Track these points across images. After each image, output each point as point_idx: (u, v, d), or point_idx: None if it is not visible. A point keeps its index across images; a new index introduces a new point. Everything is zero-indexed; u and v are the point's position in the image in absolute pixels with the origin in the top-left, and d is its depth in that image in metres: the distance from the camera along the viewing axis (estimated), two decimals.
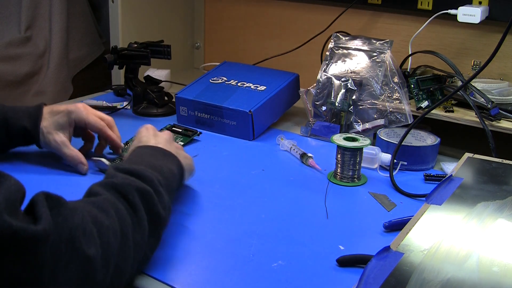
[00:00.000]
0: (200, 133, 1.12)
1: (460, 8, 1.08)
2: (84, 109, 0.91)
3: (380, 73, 1.09)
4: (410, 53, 1.12)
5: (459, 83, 1.03)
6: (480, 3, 1.10)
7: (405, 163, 0.96)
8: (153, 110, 1.22)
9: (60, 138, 0.89)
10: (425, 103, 1.04)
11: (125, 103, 1.26)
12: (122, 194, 0.63)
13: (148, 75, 1.30)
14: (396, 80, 1.07)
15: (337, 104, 1.10)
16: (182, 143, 1.04)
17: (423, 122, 1.00)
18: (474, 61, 1.07)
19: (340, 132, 1.08)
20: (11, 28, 1.60)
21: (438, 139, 0.99)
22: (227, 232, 0.76)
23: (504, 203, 0.70)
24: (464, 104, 1.03)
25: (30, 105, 0.91)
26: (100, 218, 0.58)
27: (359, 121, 1.08)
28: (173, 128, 1.10)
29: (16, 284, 0.48)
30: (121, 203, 0.62)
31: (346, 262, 0.69)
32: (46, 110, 0.90)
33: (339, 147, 0.92)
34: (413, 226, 0.66)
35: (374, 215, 0.82)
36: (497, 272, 0.56)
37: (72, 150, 0.91)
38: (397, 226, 0.76)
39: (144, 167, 0.68)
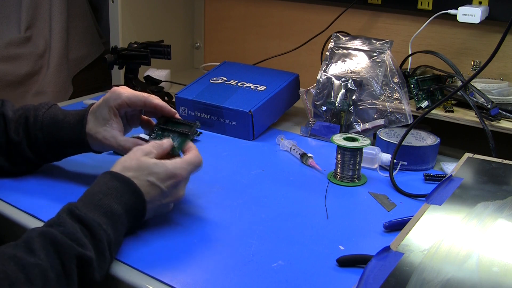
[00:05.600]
0: (200, 133, 1.12)
1: (460, 8, 1.08)
2: (120, 89, 0.83)
3: (380, 73, 1.09)
4: (410, 53, 1.12)
5: (459, 83, 1.03)
6: (480, 3, 1.10)
7: (405, 163, 0.96)
8: None
9: (109, 133, 0.81)
10: (425, 103, 1.04)
11: None
12: (60, 257, 0.58)
13: (148, 75, 1.30)
14: (396, 80, 1.07)
15: (337, 104, 1.10)
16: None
17: (423, 122, 1.00)
18: (474, 61, 1.07)
19: (340, 132, 1.08)
20: (11, 28, 1.60)
21: (438, 139, 0.99)
22: (227, 232, 0.76)
23: (504, 203, 0.70)
24: (464, 104, 1.03)
25: (76, 112, 0.84)
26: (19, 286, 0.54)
27: (359, 121, 1.08)
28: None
29: None
30: (54, 270, 0.57)
31: (346, 262, 0.69)
32: (90, 112, 0.83)
33: (339, 147, 0.92)
34: (413, 226, 0.66)
35: (374, 215, 0.82)
36: (497, 272, 0.56)
37: (126, 138, 0.82)
38: (397, 226, 0.76)
39: (99, 218, 0.65)
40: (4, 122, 0.85)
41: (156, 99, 0.83)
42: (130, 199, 0.70)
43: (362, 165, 0.94)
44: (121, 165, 0.73)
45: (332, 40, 1.18)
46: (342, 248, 0.73)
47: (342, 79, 1.11)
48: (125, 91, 0.82)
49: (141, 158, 0.73)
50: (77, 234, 0.61)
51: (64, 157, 0.89)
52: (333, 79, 1.12)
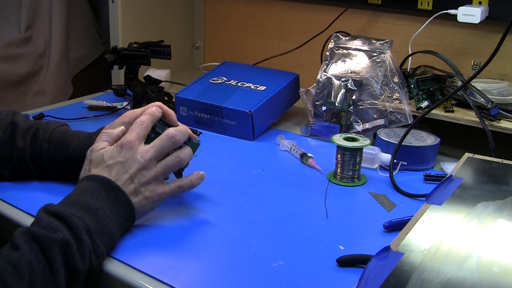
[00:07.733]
0: (200, 133, 1.12)
1: (460, 8, 1.08)
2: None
3: (380, 73, 1.09)
4: (410, 53, 1.12)
5: (459, 83, 1.03)
6: (480, 3, 1.10)
7: (405, 163, 0.96)
8: None
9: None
10: (425, 103, 1.04)
11: (125, 103, 1.26)
12: (41, 248, 0.61)
13: (148, 75, 1.30)
14: (396, 80, 1.07)
15: (337, 104, 1.10)
16: None
17: (423, 122, 1.00)
18: (474, 61, 1.07)
19: (340, 132, 1.08)
20: (11, 28, 1.60)
21: (438, 139, 0.99)
22: (227, 232, 0.76)
23: (504, 203, 0.70)
24: (464, 104, 1.03)
25: (88, 132, 0.87)
26: (10, 281, 0.56)
27: (359, 121, 1.08)
28: None
29: None
30: (39, 261, 0.60)
31: (346, 262, 0.69)
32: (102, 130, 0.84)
33: (339, 147, 0.92)
34: (413, 226, 0.66)
35: (374, 215, 0.82)
36: (497, 272, 0.56)
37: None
38: (397, 226, 0.76)
39: (73, 211, 0.67)
40: (14, 129, 0.86)
41: (165, 106, 0.84)
42: (106, 194, 0.71)
43: (362, 165, 0.94)
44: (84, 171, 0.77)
45: (332, 40, 1.18)
46: (342, 248, 0.73)
47: (342, 79, 1.11)
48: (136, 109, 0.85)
49: (93, 153, 0.76)
50: (52, 224, 0.64)
51: (64, 174, 0.88)
52: (333, 79, 1.12)
